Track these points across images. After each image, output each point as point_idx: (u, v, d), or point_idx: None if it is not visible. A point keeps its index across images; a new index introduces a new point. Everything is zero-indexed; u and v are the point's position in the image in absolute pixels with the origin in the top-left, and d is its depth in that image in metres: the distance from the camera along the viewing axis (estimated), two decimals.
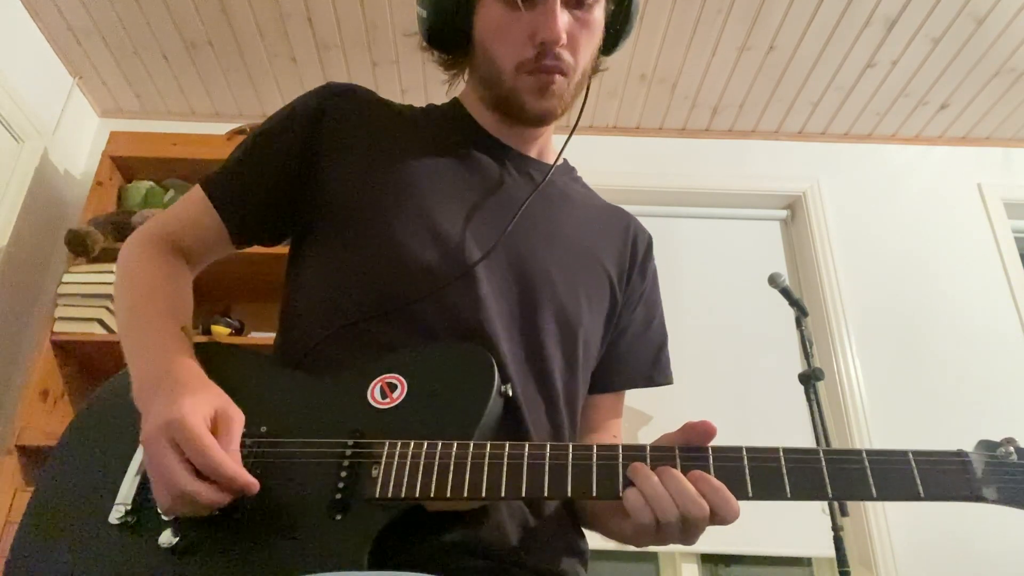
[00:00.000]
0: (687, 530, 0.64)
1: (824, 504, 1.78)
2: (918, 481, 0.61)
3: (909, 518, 2.21)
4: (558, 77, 0.84)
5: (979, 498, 0.60)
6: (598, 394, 0.94)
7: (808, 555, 2.29)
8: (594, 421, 0.94)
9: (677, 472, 0.63)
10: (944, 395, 2.39)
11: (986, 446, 0.63)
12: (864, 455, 0.63)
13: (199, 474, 0.63)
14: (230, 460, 0.64)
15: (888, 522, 2.21)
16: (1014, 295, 2.57)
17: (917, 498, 0.61)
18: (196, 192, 0.90)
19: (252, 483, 0.64)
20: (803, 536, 2.19)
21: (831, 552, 1.75)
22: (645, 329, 0.98)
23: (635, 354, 0.96)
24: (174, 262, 0.88)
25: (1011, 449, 0.62)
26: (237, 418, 0.68)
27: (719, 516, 0.63)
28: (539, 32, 0.82)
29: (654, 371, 0.97)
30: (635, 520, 0.63)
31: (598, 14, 0.87)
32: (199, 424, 0.64)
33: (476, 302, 0.78)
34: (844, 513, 1.76)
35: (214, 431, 0.66)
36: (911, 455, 0.62)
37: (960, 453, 0.63)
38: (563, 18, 0.82)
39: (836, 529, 1.74)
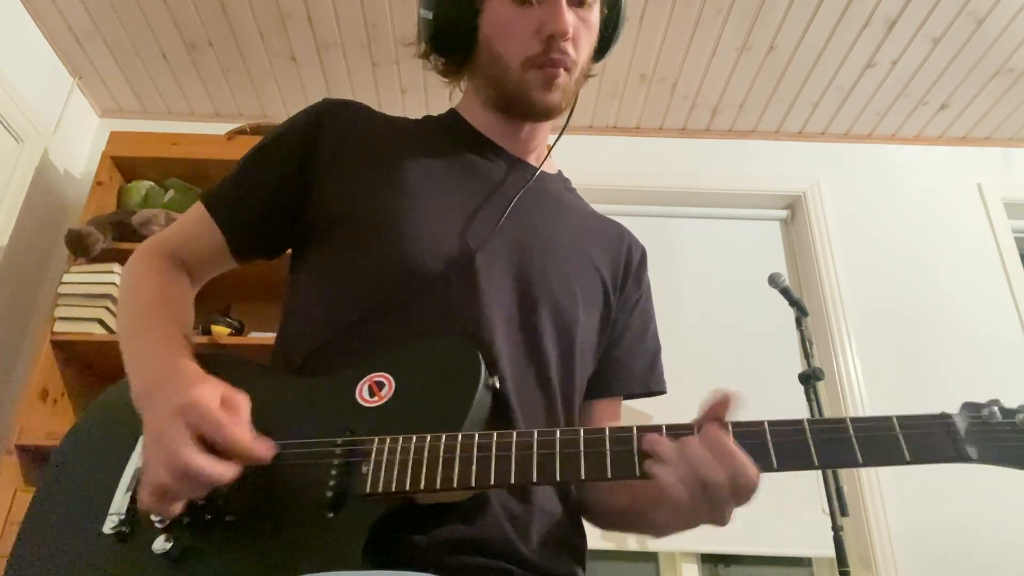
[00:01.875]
0: (715, 499, 0.62)
1: (824, 504, 1.78)
2: (903, 445, 0.62)
3: (909, 518, 2.21)
4: (562, 71, 0.87)
5: (964, 458, 0.61)
6: (596, 399, 0.94)
7: (808, 555, 2.29)
8: (592, 425, 0.94)
9: (692, 439, 0.64)
10: (944, 395, 2.37)
11: (970, 407, 0.63)
12: (848, 423, 0.64)
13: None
14: (246, 432, 0.65)
15: (888, 522, 2.20)
16: (1014, 295, 2.57)
17: (903, 462, 0.61)
18: (197, 207, 0.92)
19: (268, 452, 0.65)
20: (803, 536, 2.19)
21: (831, 552, 1.75)
22: (642, 336, 0.99)
23: (633, 360, 0.97)
24: (176, 275, 0.89)
25: (995, 409, 0.62)
26: (242, 398, 0.69)
27: (740, 482, 0.62)
28: (547, 25, 0.85)
29: (651, 379, 0.98)
30: (665, 492, 0.63)
31: (596, 15, 0.91)
32: (214, 404, 0.65)
33: (475, 300, 0.79)
34: (844, 513, 1.76)
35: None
36: (895, 420, 0.63)
37: (944, 415, 0.63)
38: (570, 13, 0.86)
39: (836, 529, 1.74)
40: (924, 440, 0.62)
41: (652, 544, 2.23)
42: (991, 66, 2.54)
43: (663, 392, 0.99)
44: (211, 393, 0.66)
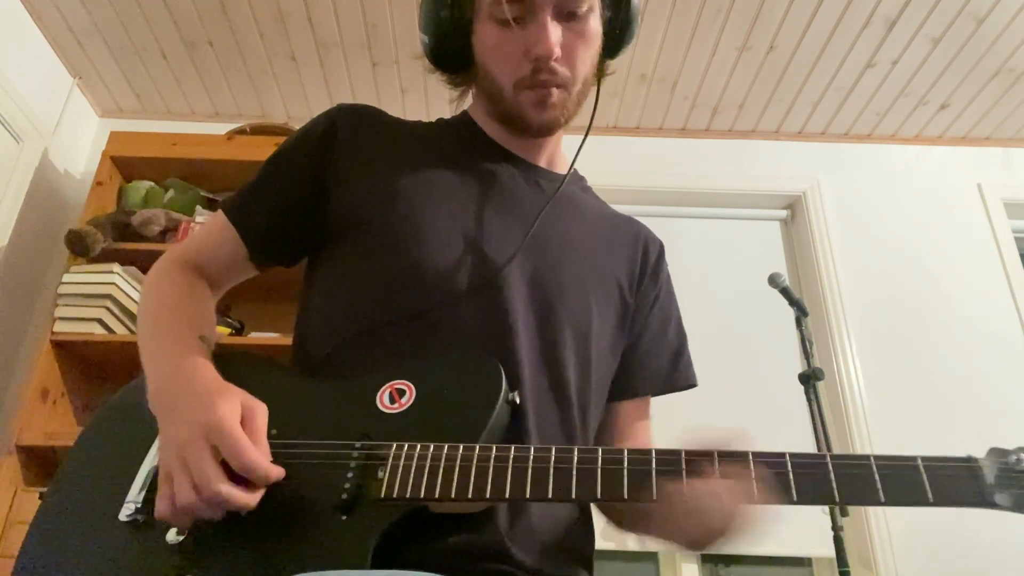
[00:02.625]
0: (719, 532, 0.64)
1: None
2: (927, 487, 0.60)
3: (909, 518, 2.21)
4: (555, 90, 0.86)
5: (991, 504, 0.59)
6: (620, 401, 0.94)
7: (808, 555, 2.29)
8: (619, 427, 0.94)
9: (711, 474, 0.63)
10: (944, 395, 2.39)
11: (998, 453, 0.62)
12: (872, 460, 0.62)
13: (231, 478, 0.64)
14: (264, 459, 0.65)
15: (888, 522, 2.21)
16: (1014, 295, 2.57)
17: (926, 504, 0.60)
18: (218, 216, 0.93)
19: (280, 474, 0.66)
20: (803, 536, 2.18)
21: (831, 552, 1.75)
22: (662, 335, 0.98)
23: (653, 359, 0.97)
24: (197, 284, 0.90)
25: (1022, 456, 0.61)
26: (260, 410, 0.69)
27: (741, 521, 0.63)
28: (533, 48, 0.83)
29: (674, 376, 0.98)
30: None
31: (593, 23, 0.89)
32: (236, 427, 0.65)
33: (494, 309, 0.79)
34: (844, 513, 1.76)
35: (242, 425, 0.67)
36: (920, 461, 0.62)
37: (970, 459, 0.62)
38: (556, 33, 0.84)
39: (836, 529, 1.74)
40: (949, 483, 0.60)
41: (652, 544, 2.23)
42: (991, 66, 2.54)
43: (691, 386, 0.99)
44: (233, 410, 0.67)
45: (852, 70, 2.58)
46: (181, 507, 0.64)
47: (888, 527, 2.20)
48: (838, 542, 1.74)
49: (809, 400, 1.89)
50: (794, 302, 2.02)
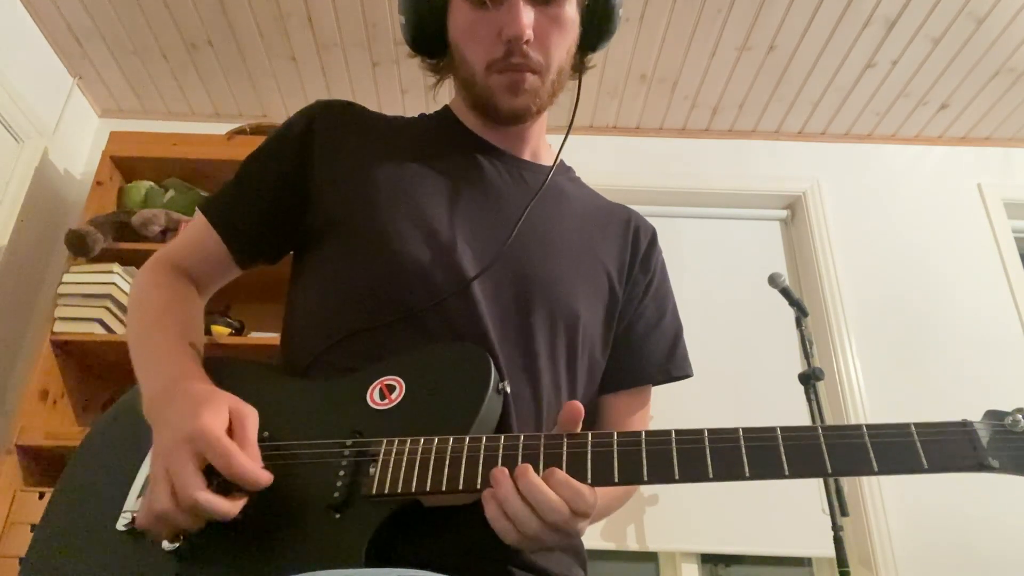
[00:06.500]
0: (556, 532, 0.63)
1: (824, 504, 1.78)
2: (921, 452, 0.59)
3: (909, 518, 2.21)
4: (528, 75, 0.85)
5: (985, 467, 0.58)
6: (613, 393, 0.93)
7: (808, 555, 2.29)
8: (616, 418, 0.93)
9: (533, 475, 0.63)
10: (944, 395, 2.39)
11: (993, 415, 0.61)
12: (864, 429, 0.61)
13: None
14: (254, 465, 0.64)
15: (888, 522, 2.21)
16: (1014, 295, 2.57)
17: (920, 470, 0.59)
18: (198, 217, 0.92)
19: (270, 479, 0.65)
20: (803, 536, 2.19)
21: (831, 552, 1.75)
22: (657, 322, 0.97)
23: (649, 348, 0.95)
24: (183, 287, 0.90)
25: (1020, 418, 0.59)
26: (251, 415, 0.69)
27: (578, 511, 0.62)
28: (505, 29, 0.82)
29: (671, 365, 0.96)
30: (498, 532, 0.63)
31: (569, 11, 0.87)
32: (222, 434, 0.64)
33: (474, 308, 0.79)
34: (844, 513, 1.76)
35: (230, 432, 0.66)
36: (913, 427, 0.61)
37: (965, 423, 0.61)
38: (528, 15, 0.82)
39: (836, 529, 1.74)
40: (943, 448, 0.59)
41: (652, 544, 2.23)
42: (991, 66, 2.54)
43: (687, 376, 0.97)
44: (218, 418, 0.66)
45: (852, 70, 2.58)
46: (158, 514, 0.63)
47: (888, 527, 2.20)
48: (838, 542, 1.74)
49: (809, 400, 1.89)
50: (794, 302, 2.02)
